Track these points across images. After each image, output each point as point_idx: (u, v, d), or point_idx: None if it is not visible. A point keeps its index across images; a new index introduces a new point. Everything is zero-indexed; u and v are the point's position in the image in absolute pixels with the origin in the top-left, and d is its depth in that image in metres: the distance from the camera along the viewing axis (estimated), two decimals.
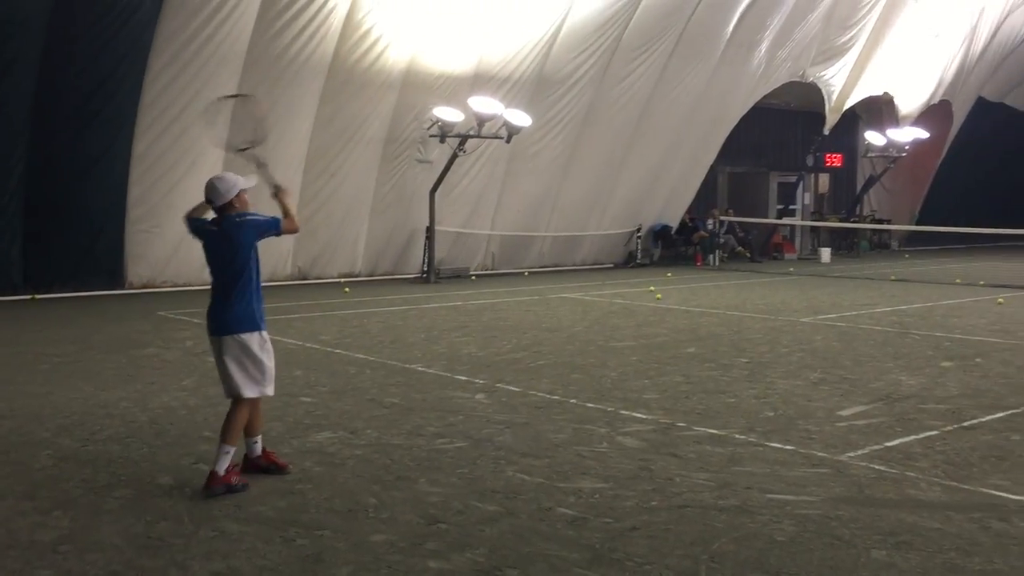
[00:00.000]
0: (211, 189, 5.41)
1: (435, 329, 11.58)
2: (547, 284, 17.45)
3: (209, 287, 5.45)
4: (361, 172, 16.97)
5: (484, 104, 16.51)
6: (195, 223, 5.55)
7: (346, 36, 15.46)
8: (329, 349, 10.02)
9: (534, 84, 17.91)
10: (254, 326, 5.36)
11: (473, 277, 18.72)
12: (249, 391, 5.35)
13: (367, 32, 15.62)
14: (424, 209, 17.51)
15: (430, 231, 17.57)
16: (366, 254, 17.93)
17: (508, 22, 16.85)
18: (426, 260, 17.84)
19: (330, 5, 14.88)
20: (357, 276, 17.88)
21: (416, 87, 16.68)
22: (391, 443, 6.21)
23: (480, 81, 17.19)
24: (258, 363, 5.36)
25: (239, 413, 5.33)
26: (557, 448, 6.08)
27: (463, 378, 8.42)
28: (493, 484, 5.33)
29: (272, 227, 5.53)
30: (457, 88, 16.93)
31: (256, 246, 5.45)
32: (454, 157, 16.83)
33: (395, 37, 15.90)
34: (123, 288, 14.99)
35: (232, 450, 5.24)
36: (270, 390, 5.45)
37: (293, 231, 5.73)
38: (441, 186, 17.32)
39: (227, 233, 5.36)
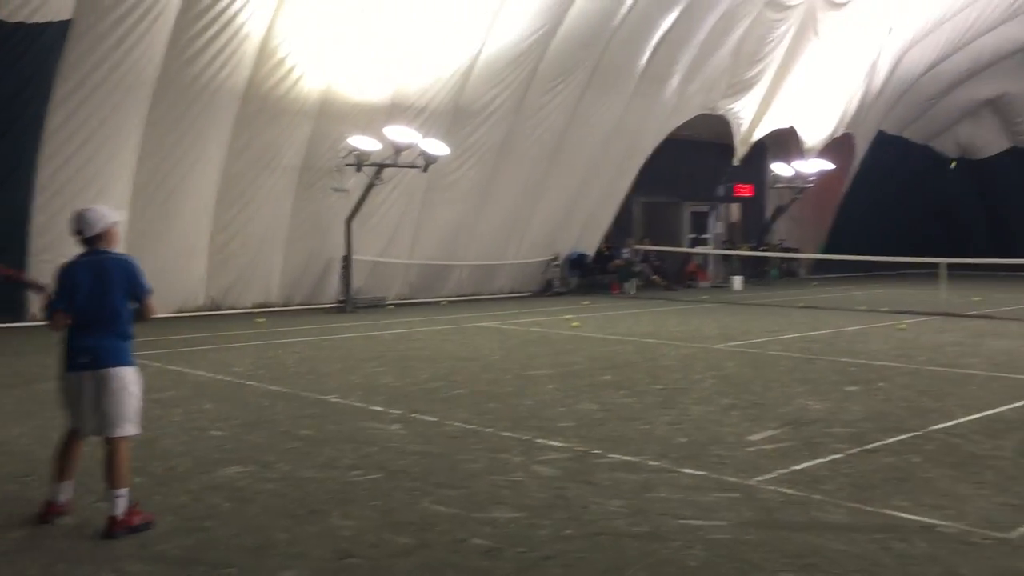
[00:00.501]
0: (80, 220, 5.17)
1: (351, 359, 11.45)
2: (465, 313, 17.44)
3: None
4: (276, 201, 16.77)
5: (401, 133, 16.52)
6: (63, 273, 5.15)
7: (261, 63, 15.32)
8: (242, 381, 9.82)
9: (451, 114, 18.01)
10: (131, 360, 5.22)
11: (390, 306, 18.61)
12: (132, 428, 5.17)
13: (282, 60, 15.51)
14: (340, 238, 17.37)
15: (347, 260, 17.43)
16: (281, 284, 17.69)
17: (424, 52, 16.94)
18: (343, 289, 17.67)
19: (244, 32, 14.74)
20: (272, 306, 17.60)
21: (332, 116, 16.61)
22: (304, 476, 6.10)
23: (397, 110, 17.20)
24: (135, 399, 5.20)
25: (123, 452, 5.07)
26: (472, 478, 6.06)
27: (379, 408, 8.34)
28: (407, 516, 5.27)
29: (145, 292, 5.29)
30: (373, 117, 16.91)
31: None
32: (371, 186, 16.76)
33: (311, 65, 15.83)
34: (24, 320, 14.45)
35: (125, 491, 4.99)
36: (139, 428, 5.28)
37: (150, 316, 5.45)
38: (358, 215, 17.22)
39: (105, 266, 5.14)
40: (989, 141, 32.63)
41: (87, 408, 5.09)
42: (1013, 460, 6.47)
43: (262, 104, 15.72)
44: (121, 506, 4.96)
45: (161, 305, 16.01)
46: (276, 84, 15.71)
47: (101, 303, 5.12)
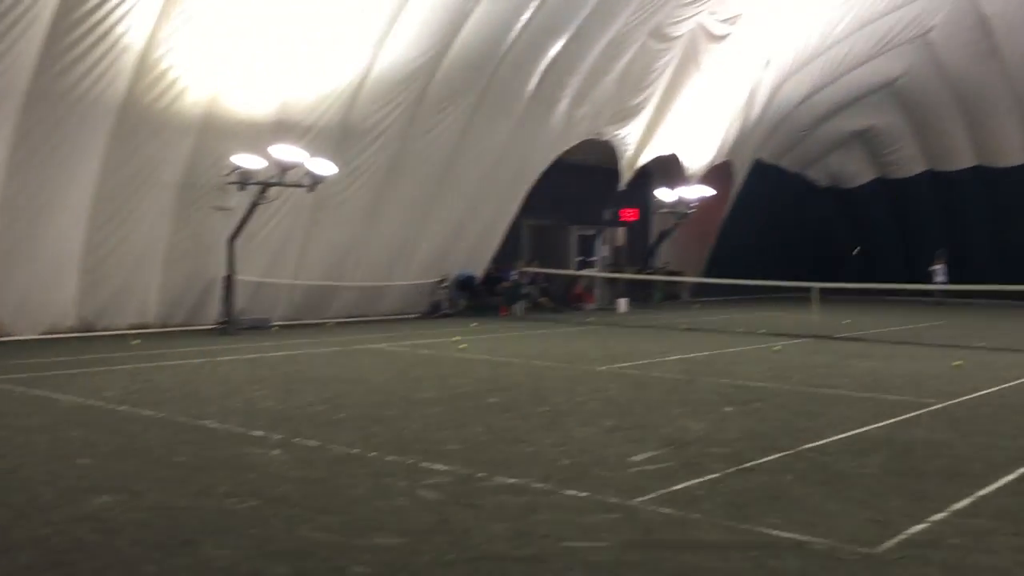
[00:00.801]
0: None
1: (231, 383, 11.13)
2: (351, 335, 17.21)
3: None
4: (155, 218, 16.23)
5: (286, 152, 16.24)
6: None
7: (140, 76, 14.83)
8: (113, 406, 9.42)
9: (339, 133, 17.82)
10: None
11: (274, 328, 18.21)
12: None
13: (163, 73, 15.06)
14: (223, 258, 16.93)
15: (229, 280, 16.98)
16: (159, 304, 17.09)
17: (313, 69, 16.72)
18: (224, 310, 17.20)
19: (123, 43, 14.26)
20: (149, 327, 16.97)
21: (215, 132, 16.21)
22: (176, 505, 5.88)
23: (283, 128, 16.92)
24: None
25: None
26: (354, 504, 5.95)
27: (259, 433, 8.12)
28: (285, 544, 5.14)
29: None
30: (259, 135, 16.58)
31: None
32: (255, 205, 16.41)
33: (194, 80, 15.42)
34: None
35: None
36: None
37: None
38: (241, 234, 16.82)
39: None
40: (858, 171, 34.33)
41: None
42: (878, 477, 6.76)
43: (141, 118, 15.21)
44: None
45: (28, 326, 15.39)
46: (156, 98, 15.22)
47: None
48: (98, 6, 13.64)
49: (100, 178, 15.25)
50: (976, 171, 31.08)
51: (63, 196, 14.92)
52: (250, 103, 16.42)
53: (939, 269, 28.93)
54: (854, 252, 31.69)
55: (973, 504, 6.07)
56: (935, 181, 32.16)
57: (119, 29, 14.06)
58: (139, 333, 16.42)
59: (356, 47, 16.89)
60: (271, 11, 15.52)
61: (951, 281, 27.32)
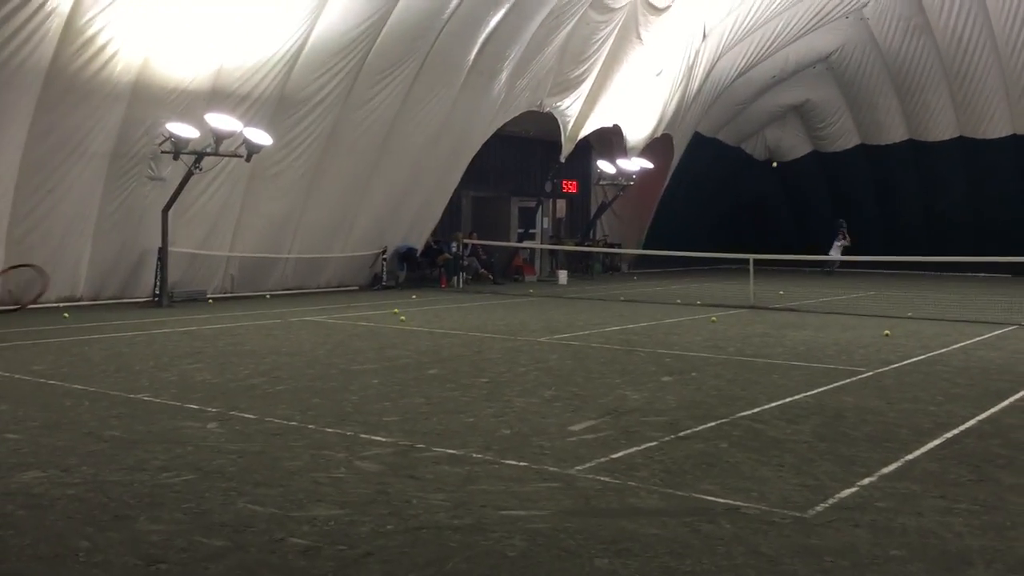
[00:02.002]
0: None
1: (165, 356, 10.93)
2: (289, 307, 17.02)
3: None
4: (84, 188, 15.77)
5: (222, 121, 15.90)
6: None
7: (67, 41, 14.33)
8: (42, 380, 9.19)
9: (276, 102, 17.48)
10: None
11: (210, 301, 17.90)
12: None
13: (92, 38, 14.56)
14: (156, 229, 16.55)
15: (162, 252, 16.62)
16: (89, 276, 16.65)
17: (248, 38, 16.34)
18: (158, 283, 16.85)
19: (49, 6, 13.74)
20: (79, 300, 16.56)
21: (147, 100, 15.77)
22: (109, 480, 5.77)
23: (218, 97, 16.54)
24: None
25: None
26: (292, 476, 5.91)
27: (194, 407, 8.00)
28: (221, 518, 5.08)
29: None
30: (192, 103, 16.18)
31: None
32: (189, 175, 16.05)
33: (123, 45, 14.95)
34: None
35: None
36: None
37: None
38: (175, 205, 16.46)
39: None
40: (794, 145, 34.85)
41: None
42: (810, 444, 6.93)
43: (68, 85, 14.71)
44: None
45: None
46: (84, 64, 14.73)
47: None
48: None
49: (26, 147, 14.74)
50: (907, 145, 31.77)
51: None
52: (184, 70, 16.00)
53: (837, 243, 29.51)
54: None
55: (900, 468, 6.26)
56: (867, 155, 32.81)
57: None
58: (69, 306, 16.01)
59: (293, 14, 16.54)
60: None
61: (876, 253, 27.97)
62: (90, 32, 14.49)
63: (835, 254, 28.73)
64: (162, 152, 15.99)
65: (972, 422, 7.76)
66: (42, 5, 13.65)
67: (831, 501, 5.49)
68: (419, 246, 23.03)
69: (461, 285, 22.80)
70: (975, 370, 10.62)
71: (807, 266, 29.95)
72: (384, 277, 21.69)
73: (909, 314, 17.18)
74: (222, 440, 6.84)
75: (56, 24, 14.02)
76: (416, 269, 22.96)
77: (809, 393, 9.01)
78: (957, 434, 7.31)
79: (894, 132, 31.92)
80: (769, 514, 5.23)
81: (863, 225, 31.32)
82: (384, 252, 21.77)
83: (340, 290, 20.89)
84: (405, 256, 22.57)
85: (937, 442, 7.03)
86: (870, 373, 10.30)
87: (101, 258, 16.64)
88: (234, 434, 7.04)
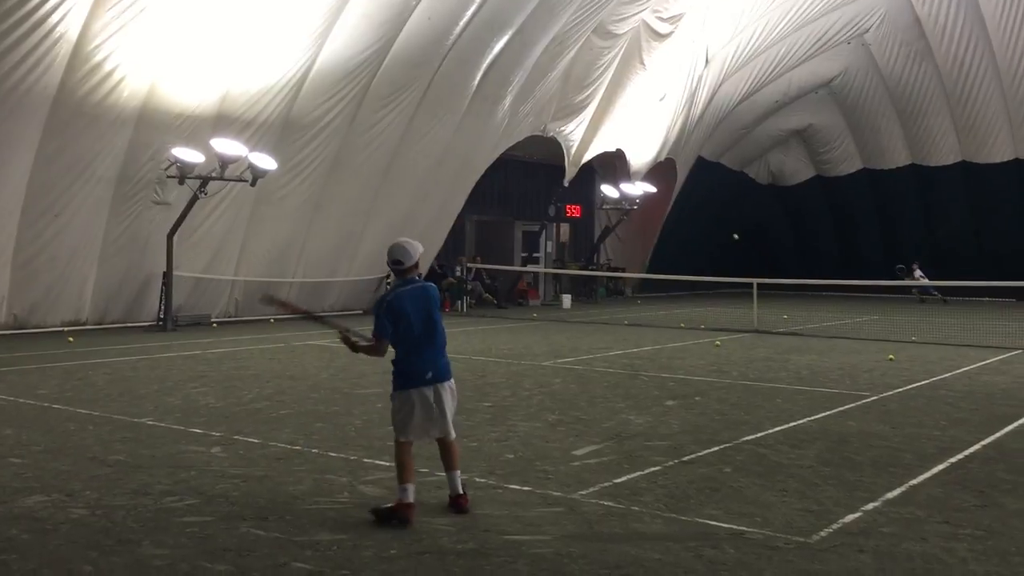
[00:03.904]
0: (401, 251, 5.87)
1: (170, 380, 10.95)
2: (293, 331, 17.04)
3: None
4: (90, 212, 15.86)
5: (227, 146, 16.00)
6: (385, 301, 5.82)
7: (74, 67, 14.46)
8: (47, 404, 9.20)
9: (281, 127, 17.60)
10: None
11: (214, 325, 17.94)
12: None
13: (99, 64, 14.70)
14: (161, 253, 16.63)
15: (167, 276, 16.69)
16: (94, 300, 16.71)
17: (253, 64, 16.48)
18: (162, 307, 16.89)
19: (57, 33, 13.88)
20: (84, 325, 16.60)
21: (153, 125, 15.89)
22: (112, 504, 5.77)
23: (224, 122, 16.66)
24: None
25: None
26: (295, 500, 5.91)
27: (198, 431, 8.00)
28: (225, 542, 5.08)
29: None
30: (198, 128, 16.30)
31: None
32: (194, 199, 16.15)
33: (130, 71, 15.08)
34: None
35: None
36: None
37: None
38: (180, 229, 16.54)
39: (428, 292, 5.89)
40: (797, 169, 34.95)
41: (441, 410, 5.77)
42: (814, 469, 6.91)
43: (75, 110, 14.83)
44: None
45: None
46: (91, 89, 14.86)
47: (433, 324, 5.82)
48: None
49: (33, 171, 14.85)
50: (910, 169, 31.84)
51: None
52: (190, 95, 16.12)
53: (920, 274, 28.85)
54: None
55: (904, 493, 6.24)
56: (870, 179, 32.88)
57: (53, 18, 13.69)
58: (74, 330, 16.05)
59: (299, 40, 16.69)
60: (212, 1, 15.25)
61: (877, 277, 27.83)
62: (98, 58, 14.63)
63: (923, 281, 28.14)
64: (168, 177, 16.10)
65: (976, 447, 7.74)
66: (50, 31, 13.79)
67: (835, 526, 5.48)
68: (423, 270, 23.05)
69: (465, 309, 22.82)
70: (979, 395, 10.60)
71: (811, 290, 29.82)
72: None
73: (913, 338, 17.16)
74: (226, 464, 6.84)
75: (64, 50, 14.16)
76: None
77: (813, 417, 9.00)
78: (961, 459, 7.29)
79: (897, 156, 32.00)
80: (773, 539, 5.22)
81: (866, 249, 31.31)
82: (388, 276, 21.79)
83: (344, 314, 20.89)
84: None
85: (941, 467, 7.02)
86: (874, 398, 10.28)
87: (106, 282, 16.71)
88: (238, 458, 7.05)
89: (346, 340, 6.07)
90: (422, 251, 6.03)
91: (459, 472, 5.82)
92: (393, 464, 6.85)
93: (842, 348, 15.45)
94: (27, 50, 13.75)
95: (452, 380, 5.91)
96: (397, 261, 5.89)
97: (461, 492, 5.74)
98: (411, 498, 5.52)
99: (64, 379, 10.89)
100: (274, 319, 19.25)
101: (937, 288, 26.91)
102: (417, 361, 5.79)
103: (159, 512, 5.63)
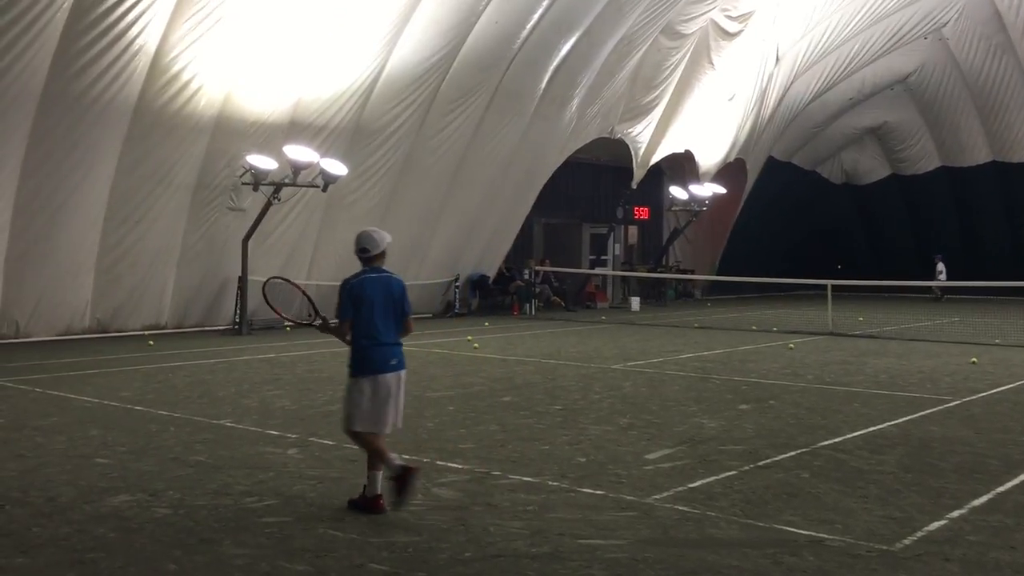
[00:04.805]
0: (368, 239, 6.09)
1: (246, 383, 11.18)
2: None
3: None
4: (169, 219, 16.29)
5: (299, 152, 16.28)
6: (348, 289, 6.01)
7: (153, 78, 14.88)
8: (130, 406, 9.47)
9: (351, 133, 17.85)
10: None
11: (288, 328, 18.24)
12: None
13: (177, 74, 15.10)
14: (236, 258, 16.98)
15: (242, 281, 17.04)
16: (173, 305, 17.15)
17: (324, 71, 16.75)
18: (238, 311, 17.26)
19: (137, 45, 14.30)
20: (163, 328, 17.05)
21: (229, 133, 16.25)
22: (195, 504, 5.91)
23: (296, 129, 16.96)
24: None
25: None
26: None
27: (275, 433, 8.15)
28: (303, 543, 5.16)
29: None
30: (271, 135, 16.62)
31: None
32: (268, 205, 16.46)
33: (206, 81, 15.46)
34: None
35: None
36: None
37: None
38: (255, 235, 16.88)
39: (392, 282, 6.14)
40: (871, 168, 34.17)
41: (396, 402, 5.95)
42: (895, 475, 6.74)
43: (155, 119, 15.26)
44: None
45: (45, 328, 15.49)
46: (170, 99, 15.27)
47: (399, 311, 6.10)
48: (112, 8, 13.70)
49: (115, 179, 15.32)
50: (991, 166, 30.87)
51: (78, 197, 15.00)
52: (263, 103, 16.46)
53: (942, 269, 28.82)
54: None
55: (991, 501, 6.04)
56: (949, 177, 31.97)
57: (132, 31, 14.11)
58: (154, 334, 16.50)
59: (369, 47, 16.91)
60: (284, 11, 15.55)
61: (959, 278, 27.27)
62: (175, 69, 15.02)
63: (941, 276, 28.21)
64: (242, 183, 16.43)
65: None
66: (130, 44, 14.21)
67: (919, 534, 5.33)
68: (491, 273, 23.16)
69: (533, 312, 22.83)
70: None
71: (887, 291, 29.19)
72: (457, 304, 21.85)
73: (997, 341, 16.62)
74: (302, 466, 6.95)
75: (143, 62, 14.58)
76: (488, 296, 23.07)
77: (893, 422, 8.77)
78: None
79: (977, 153, 31.05)
80: (854, 547, 5.10)
81: (947, 250, 30.45)
82: (457, 280, 21.94)
83: (414, 317, 21.04)
84: (477, 283, 22.71)
85: None
86: (957, 402, 9.99)
87: (185, 287, 17.13)
88: (314, 460, 7.15)
89: (324, 324, 6.27)
90: (390, 240, 6.22)
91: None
92: (465, 467, 6.88)
93: (921, 351, 15.05)
94: (108, 63, 14.19)
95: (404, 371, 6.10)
96: (363, 249, 6.09)
97: (380, 492, 5.74)
98: (379, 490, 5.73)
99: (146, 381, 11.20)
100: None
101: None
102: (374, 348, 5.90)
103: (239, 512, 5.74)
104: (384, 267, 6.19)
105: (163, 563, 4.82)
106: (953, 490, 6.29)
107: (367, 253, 6.08)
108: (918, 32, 27.61)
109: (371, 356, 5.88)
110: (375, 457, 5.76)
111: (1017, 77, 28.40)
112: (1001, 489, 6.33)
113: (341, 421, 6.02)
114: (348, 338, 5.96)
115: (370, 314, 5.93)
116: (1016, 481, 6.56)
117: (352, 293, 5.97)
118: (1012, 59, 28.01)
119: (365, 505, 5.72)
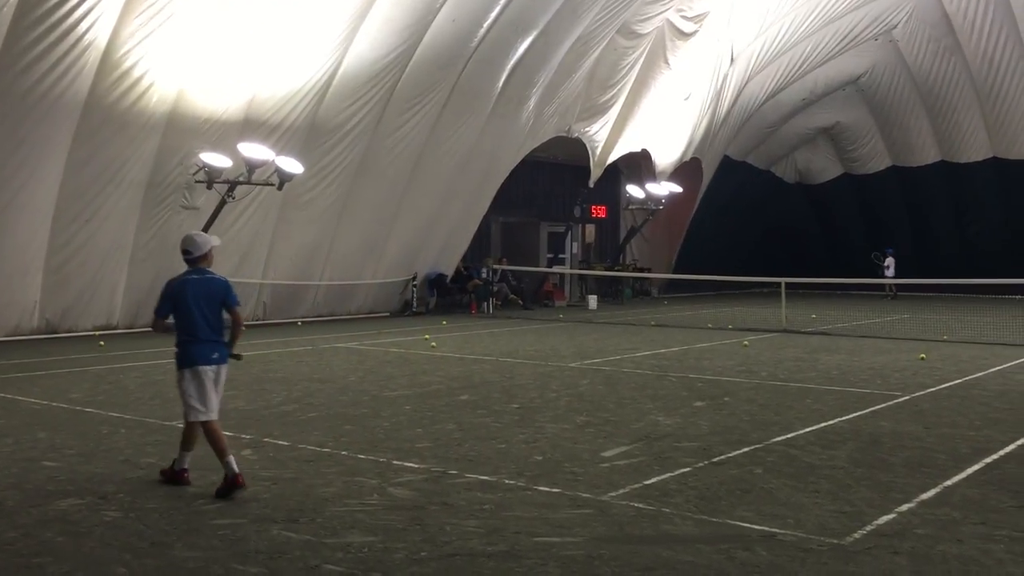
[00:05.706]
0: (191, 242, 6.39)
1: None
2: (321, 334, 17.12)
3: None
4: (120, 217, 16.02)
5: (254, 150, 16.11)
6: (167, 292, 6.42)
7: (104, 73, 14.61)
8: (79, 408, 9.30)
9: (307, 131, 17.69)
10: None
11: (242, 328, 18.03)
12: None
13: (128, 70, 14.84)
14: None
15: None
16: (125, 305, 16.88)
17: (279, 68, 16.58)
18: None
19: (86, 40, 14.03)
20: (115, 328, 16.77)
21: (181, 130, 16.02)
22: (145, 507, 5.82)
23: (250, 126, 16.77)
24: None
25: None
26: (326, 503, 5.93)
27: (229, 433, 7.98)
28: (256, 544, 5.10)
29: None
30: (225, 132, 16.42)
31: None
32: (222, 203, 16.26)
33: (158, 77, 15.22)
34: None
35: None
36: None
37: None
38: (208, 233, 16.63)
39: (213, 283, 6.39)
40: (824, 167, 34.65)
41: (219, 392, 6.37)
42: (846, 470, 6.84)
43: (105, 116, 14.99)
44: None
45: None
46: (121, 95, 15.00)
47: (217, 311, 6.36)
48: (61, 2, 13.42)
49: (64, 177, 15.02)
50: (940, 166, 31.48)
51: (25, 196, 14.69)
52: (217, 101, 16.24)
53: (889, 264, 29.55)
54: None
55: (939, 494, 6.16)
56: (899, 176, 32.54)
57: (82, 26, 13.84)
58: (105, 334, 16.22)
59: (324, 44, 16.77)
60: (238, 7, 15.37)
61: (909, 275, 27.85)
62: (126, 65, 14.77)
63: (891, 273, 28.95)
64: (196, 181, 16.21)
65: (1012, 447, 7.63)
66: (79, 39, 13.94)
67: (869, 528, 5.42)
68: (449, 272, 23.12)
69: (491, 311, 22.83)
70: (1014, 394, 10.45)
71: (839, 289, 29.65)
72: (414, 303, 21.78)
73: (945, 337, 16.96)
74: (256, 467, 6.87)
75: (93, 57, 14.31)
76: (446, 295, 23.03)
77: (844, 418, 8.91)
78: (997, 459, 7.19)
79: (926, 153, 31.63)
80: (806, 541, 5.17)
81: (896, 248, 31.01)
82: (414, 278, 21.87)
83: (371, 317, 20.98)
84: (435, 282, 22.66)
85: (976, 467, 6.92)
86: (906, 397, 10.17)
87: (136, 286, 16.86)
88: (268, 461, 7.08)
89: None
90: (215, 244, 6.58)
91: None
92: (422, 467, 6.86)
93: (872, 347, 15.30)
94: (57, 57, 13.90)
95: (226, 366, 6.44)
96: (186, 251, 6.45)
97: (238, 471, 6.04)
98: (186, 464, 6.39)
99: (96, 383, 11.00)
100: (301, 322, 19.35)
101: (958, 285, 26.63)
102: (194, 344, 6.29)
103: (191, 514, 5.66)
104: (210, 268, 6.50)
105: (113, 567, 4.74)
106: (902, 484, 6.41)
107: (190, 255, 6.44)
108: (869, 34, 28.06)
109: (190, 351, 6.30)
110: (204, 445, 6.24)
111: (965, 78, 28.98)
112: (948, 483, 6.46)
113: (183, 416, 6.44)
114: (157, 329, 6.68)
115: (189, 313, 6.28)
116: (963, 475, 6.69)
117: (172, 293, 6.40)
118: (960, 60, 28.58)
119: (172, 476, 6.34)
